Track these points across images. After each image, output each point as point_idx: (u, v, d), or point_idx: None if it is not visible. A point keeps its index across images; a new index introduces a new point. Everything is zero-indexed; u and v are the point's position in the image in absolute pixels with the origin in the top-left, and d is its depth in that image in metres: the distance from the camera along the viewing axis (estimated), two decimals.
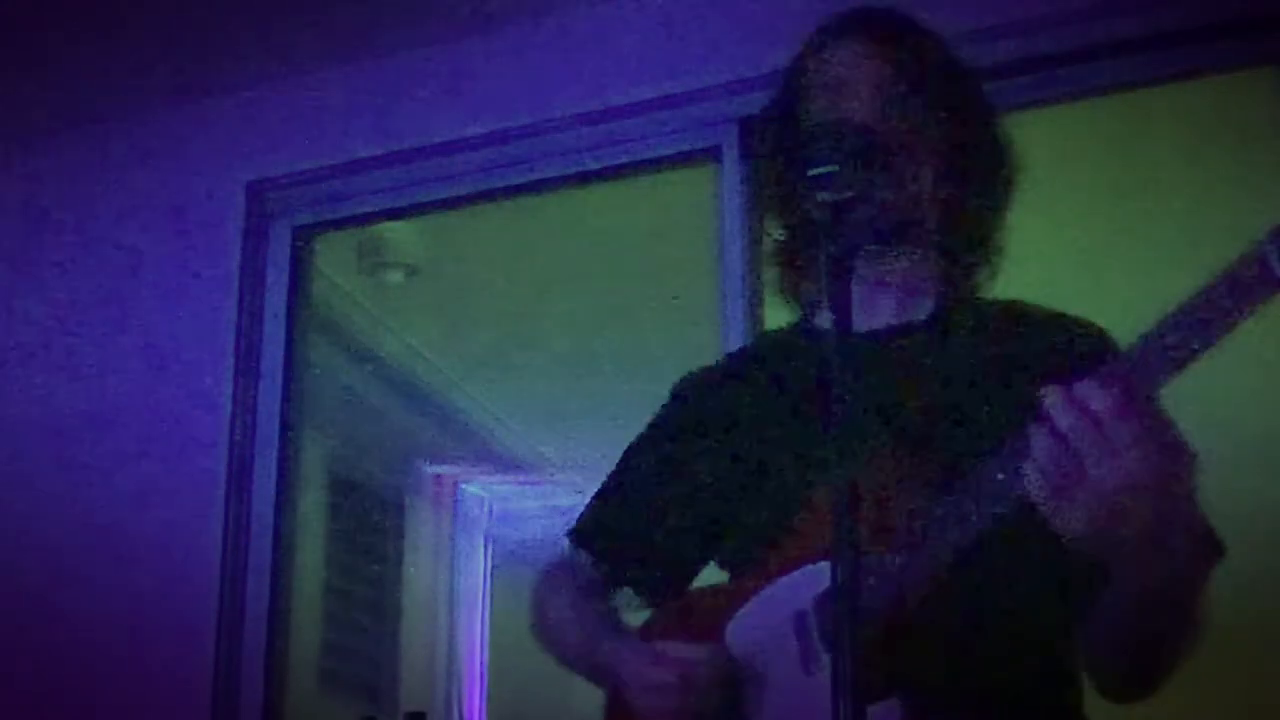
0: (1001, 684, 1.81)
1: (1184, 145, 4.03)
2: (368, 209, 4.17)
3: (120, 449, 4.08)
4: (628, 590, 2.18)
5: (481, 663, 5.52)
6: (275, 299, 4.11)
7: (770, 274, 2.21)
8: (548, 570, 2.24)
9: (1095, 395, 1.51)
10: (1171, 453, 1.53)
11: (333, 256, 4.42)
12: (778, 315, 3.53)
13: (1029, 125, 3.50)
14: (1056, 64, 3.42)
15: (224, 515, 3.92)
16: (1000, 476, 1.62)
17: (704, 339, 3.58)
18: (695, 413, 2.15)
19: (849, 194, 1.61)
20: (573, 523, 2.24)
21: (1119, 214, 4.14)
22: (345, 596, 4.93)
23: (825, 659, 1.76)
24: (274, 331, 4.09)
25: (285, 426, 4.04)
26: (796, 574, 1.83)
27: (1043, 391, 1.54)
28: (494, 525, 5.82)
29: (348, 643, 4.90)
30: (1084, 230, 3.89)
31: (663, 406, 2.22)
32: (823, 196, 1.61)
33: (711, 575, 2.15)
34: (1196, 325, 1.49)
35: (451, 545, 5.69)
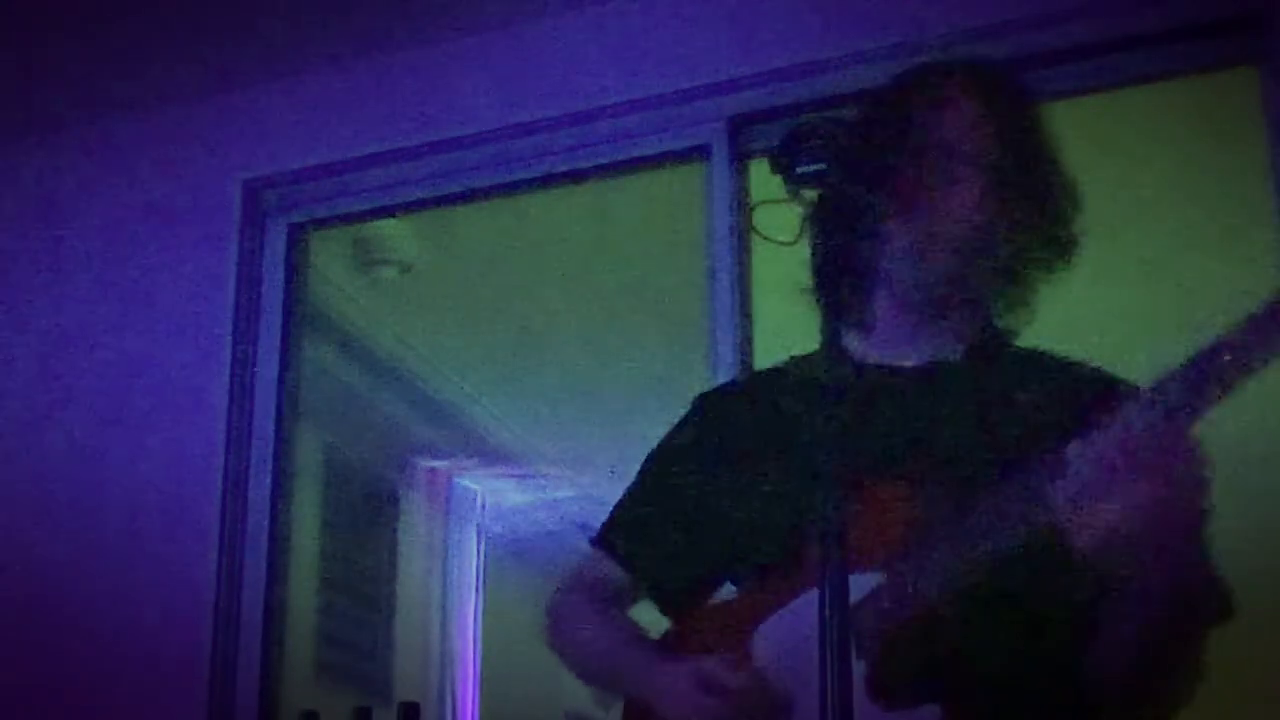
0: (1035, 694, 1.83)
1: (1163, 146, 4.05)
2: (363, 207, 4.19)
3: (117, 444, 4.10)
4: (648, 600, 2.18)
5: (474, 653, 5.53)
6: (271, 295, 4.14)
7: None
8: (564, 583, 2.24)
9: (1134, 417, 1.58)
10: (1194, 486, 1.59)
11: (328, 253, 4.44)
12: (766, 312, 3.59)
13: None
14: (1035, 65, 3.44)
15: (221, 508, 3.94)
16: (1025, 495, 1.67)
17: (693, 335, 3.61)
18: (717, 433, 2.16)
19: (834, 192, 1.65)
20: (581, 523, 2.24)
21: (1098, 215, 4.16)
22: (340, 589, 4.95)
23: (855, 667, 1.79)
24: (270, 327, 4.11)
25: (281, 421, 4.06)
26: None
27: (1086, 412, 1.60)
28: (486, 518, 5.83)
29: (343, 634, 4.92)
30: None
31: (684, 419, 2.23)
32: (808, 194, 1.65)
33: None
34: (1228, 361, 1.55)
35: (445, 538, 5.70)
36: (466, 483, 5.83)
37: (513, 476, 5.82)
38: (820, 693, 1.41)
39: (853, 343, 2.10)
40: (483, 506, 5.86)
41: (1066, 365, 2.07)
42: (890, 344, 2.07)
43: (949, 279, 2.02)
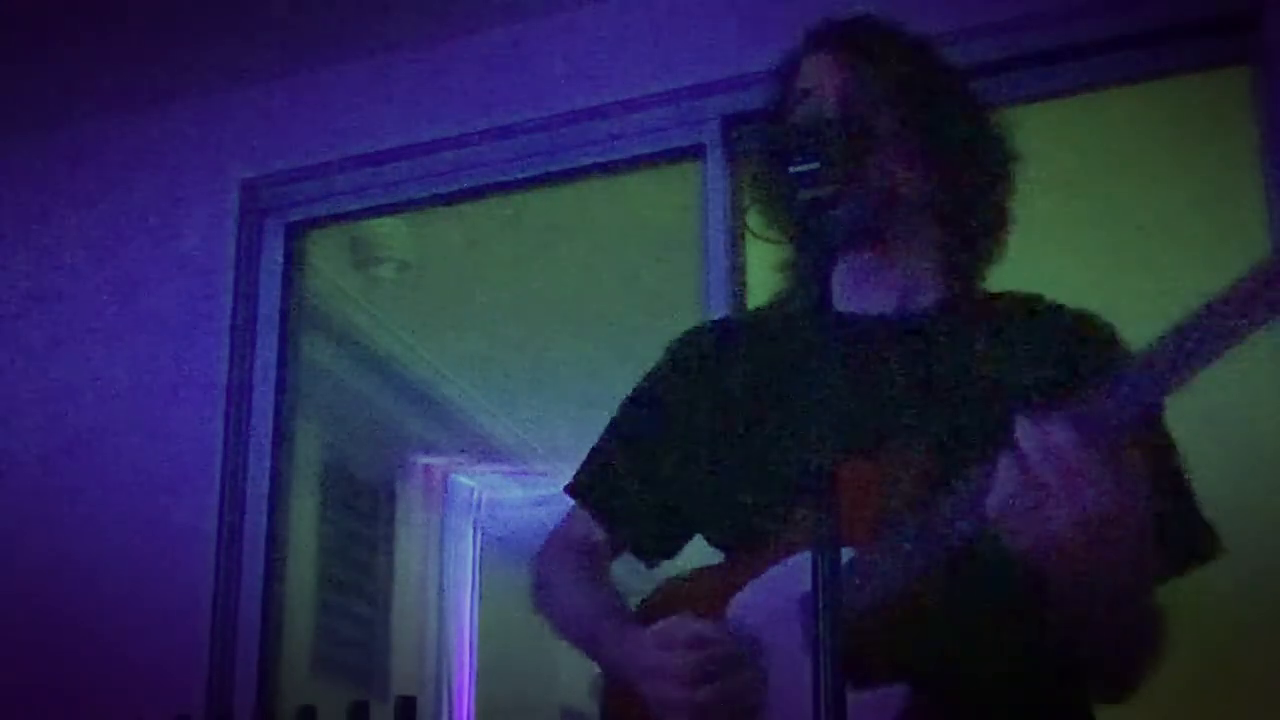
0: (1005, 674, 1.84)
1: (1156, 145, 4.06)
2: (360, 205, 4.20)
3: (117, 440, 4.12)
4: (628, 553, 2.18)
5: (471, 648, 5.55)
6: (269, 293, 4.16)
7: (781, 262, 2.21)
8: (549, 542, 2.23)
9: (1062, 432, 1.58)
10: (1128, 499, 1.59)
11: (326, 252, 4.46)
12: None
13: None
14: (1029, 64, 3.45)
15: (220, 504, 3.96)
16: (968, 498, 1.68)
17: None
18: (692, 378, 2.15)
19: (830, 190, 1.64)
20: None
21: (1090, 213, 4.17)
22: (338, 584, 4.97)
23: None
24: (268, 325, 4.13)
25: (279, 418, 4.08)
26: (803, 556, 1.78)
27: (1015, 421, 1.61)
28: (482, 514, 5.85)
29: (340, 629, 4.94)
30: (1054, 230, 3.93)
31: (658, 365, 2.21)
32: (804, 194, 1.64)
33: (698, 555, 2.16)
34: (1177, 359, 1.56)
35: (441, 534, 5.72)
36: (463, 479, 5.84)
37: (509, 473, 5.83)
38: (813, 663, 1.43)
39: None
40: (479, 503, 5.87)
41: (1049, 308, 2.07)
42: (854, 287, 2.05)
43: (863, 213, 2.00)
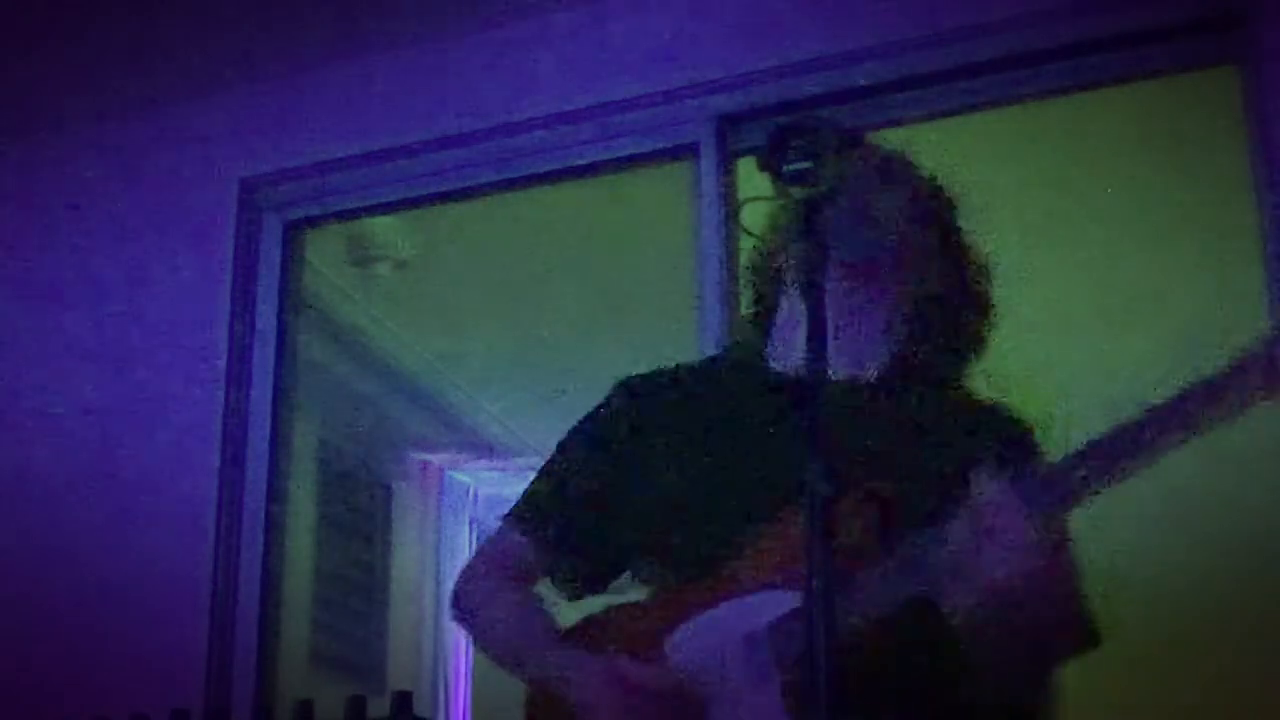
0: (951, 712, 1.88)
1: (1145, 145, 4.08)
2: (357, 204, 4.21)
3: (116, 437, 4.14)
4: (552, 582, 2.20)
5: (467, 643, 5.56)
6: (267, 291, 4.17)
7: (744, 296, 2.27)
8: (476, 558, 2.28)
9: (1008, 494, 1.66)
10: (1051, 569, 1.68)
11: (323, 250, 4.47)
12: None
13: (991, 125, 3.56)
14: (1019, 64, 3.47)
15: (218, 501, 3.98)
16: (922, 549, 1.75)
17: (681, 329, 3.64)
18: (639, 418, 2.18)
19: (824, 189, 1.67)
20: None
21: (1079, 213, 4.19)
22: (335, 580, 4.98)
23: (775, 681, 1.82)
24: (265, 323, 4.14)
25: (277, 415, 4.10)
26: (749, 599, 1.88)
27: (975, 475, 1.69)
28: (479, 511, 5.86)
29: (338, 624, 4.95)
30: (1043, 229, 3.94)
31: (605, 403, 2.24)
32: (797, 192, 1.67)
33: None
34: (1113, 452, 1.64)
35: (438, 530, 5.72)
36: (459, 476, 5.85)
37: (505, 469, 5.84)
38: (806, 690, 1.48)
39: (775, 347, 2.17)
40: (475, 499, 5.89)
41: (976, 406, 2.14)
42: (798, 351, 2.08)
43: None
